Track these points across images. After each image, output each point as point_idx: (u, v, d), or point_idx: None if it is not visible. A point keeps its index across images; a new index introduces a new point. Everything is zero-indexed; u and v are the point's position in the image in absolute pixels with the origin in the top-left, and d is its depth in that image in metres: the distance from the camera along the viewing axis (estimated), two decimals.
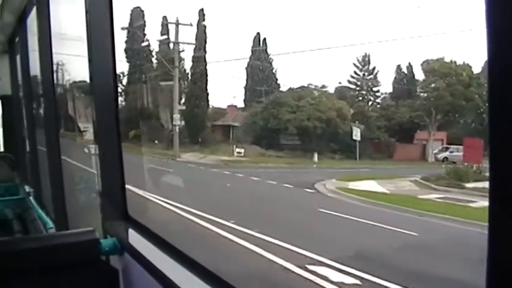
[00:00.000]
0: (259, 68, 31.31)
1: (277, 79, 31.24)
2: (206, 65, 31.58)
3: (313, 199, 13.74)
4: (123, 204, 2.31)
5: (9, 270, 1.95)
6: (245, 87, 31.95)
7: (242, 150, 24.93)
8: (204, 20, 31.17)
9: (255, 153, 24.71)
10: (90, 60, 2.35)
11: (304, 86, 26.63)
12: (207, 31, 30.87)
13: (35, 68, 5.19)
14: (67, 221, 3.56)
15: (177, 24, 29.23)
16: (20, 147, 6.30)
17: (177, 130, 26.96)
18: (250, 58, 31.61)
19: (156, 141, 28.99)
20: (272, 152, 24.62)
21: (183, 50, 29.30)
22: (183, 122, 27.24)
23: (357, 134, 22.00)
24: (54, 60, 3.79)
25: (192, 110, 29.21)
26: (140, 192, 12.21)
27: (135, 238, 2.13)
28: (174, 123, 26.85)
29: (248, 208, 12.57)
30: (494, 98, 0.69)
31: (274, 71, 31.68)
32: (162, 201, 12.65)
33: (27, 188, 5.43)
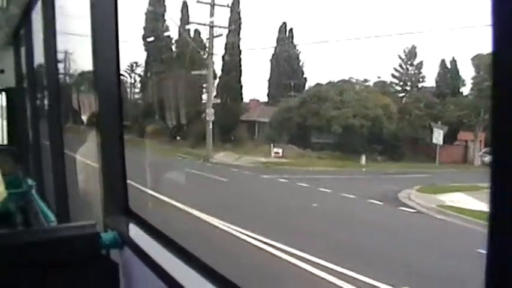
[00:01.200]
0: (286, 60, 28.86)
1: (303, 72, 28.93)
2: (240, 53, 28.12)
3: (429, 224, 11.23)
4: (124, 198, 2.31)
5: (10, 264, 1.95)
6: (269, 80, 29.37)
7: (280, 151, 23.03)
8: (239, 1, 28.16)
9: (294, 153, 22.71)
10: (94, 53, 2.35)
11: (345, 80, 24.38)
12: (241, 14, 28.01)
13: (39, 60, 5.20)
14: (69, 215, 3.56)
15: (213, 4, 25.84)
16: (24, 140, 6.31)
17: (211, 126, 24.05)
18: (275, 49, 28.89)
19: (177, 138, 26.34)
20: (310, 151, 22.71)
21: (220, 35, 26.32)
22: (212, 117, 24.35)
23: (438, 138, 19.38)
24: (59, 53, 3.80)
25: (225, 104, 26.38)
26: (204, 216, 10.38)
27: (135, 232, 2.13)
28: (207, 118, 24.05)
29: (380, 250, 8.82)
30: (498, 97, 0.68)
31: (301, 63, 29.26)
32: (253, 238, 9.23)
33: (30, 181, 5.43)
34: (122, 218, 2.26)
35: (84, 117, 4.76)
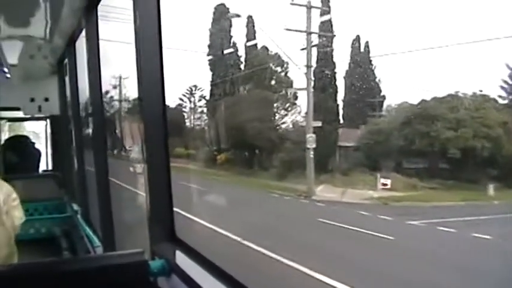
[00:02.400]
0: (360, 76, 25.57)
1: (380, 89, 25.59)
2: (335, 66, 24.24)
3: None
4: (171, 225, 2.33)
5: None
6: (344, 100, 25.61)
7: (388, 182, 19.47)
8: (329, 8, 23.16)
9: (401, 184, 19.19)
10: (139, 80, 2.39)
11: (451, 94, 20.84)
12: (332, 22, 23.12)
13: (83, 88, 5.35)
14: (114, 240, 3.61)
15: (309, 7, 22.46)
16: (68, 166, 6.46)
17: (311, 155, 20.06)
18: (349, 65, 25.83)
19: (254, 167, 22.13)
20: (417, 181, 19.02)
21: (316, 45, 22.32)
22: (314, 144, 20.22)
23: None
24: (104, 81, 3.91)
25: (322, 128, 21.76)
26: None
27: (182, 260, 2.15)
28: (308, 145, 20.19)
29: None
30: None
31: (377, 79, 26.03)
32: None
33: (74, 206, 5.55)
34: (168, 245, 2.28)
35: (128, 145, 4.85)
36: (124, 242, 3.76)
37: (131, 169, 4.80)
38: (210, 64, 26.86)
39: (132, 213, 4.30)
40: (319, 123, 21.75)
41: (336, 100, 24.56)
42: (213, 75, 26.87)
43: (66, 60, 5.70)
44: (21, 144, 7.22)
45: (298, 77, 23.98)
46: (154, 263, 2.11)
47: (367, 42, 26.21)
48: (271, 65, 24.84)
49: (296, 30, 22.86)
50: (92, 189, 4.82)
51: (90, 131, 4.63)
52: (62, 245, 4.78)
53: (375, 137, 21.54)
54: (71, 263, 2.37)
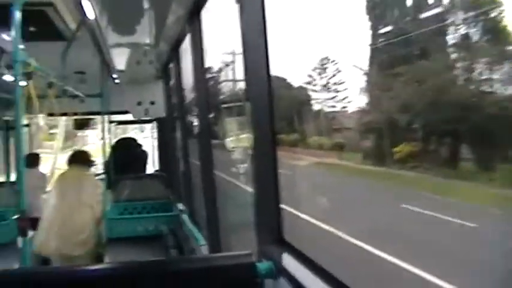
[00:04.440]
0: None
1: None
2: None
3: None
4: (278, 226, 2.32)
5: None
6: None
7: None
8: None
9: None
10: (245, 72, 2.39)
11: None
12: None
13: (188, 91, 5.52)
14: (219, 240, 3.68)
15: None
16: (173, 166, 6.71)
17: None
18: None
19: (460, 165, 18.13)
20: None
21: None
22: None
23: None
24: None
25: None
26: None
27: (290, 263, 2.13)
28: None
29: None
30: None
31: None
32: None
33: (180, 206, 5.74)
34: (275, 247, 2.27)
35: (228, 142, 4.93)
36: (228, 242, 3.81)
37: (234, 169, 4.86)
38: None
39: (236, 213, 4.35)
40: None
41: None
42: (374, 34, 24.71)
43: (170, 65, 5.91)
44: (129, 146, 7.59)
45: None
46: (261, 265, 2.11)
47: None
48: None
49: None
50: (197, 189, 4.96)
51: (195, 132, 4.76)
52: (169, 243, 4.94)
53: None
54: (180, 262, 2.43)
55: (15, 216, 5.34)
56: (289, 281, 2.01)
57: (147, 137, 9.06)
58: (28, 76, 3.18)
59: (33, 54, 3.05)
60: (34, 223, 5.52)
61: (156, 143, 8.73)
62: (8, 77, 6.02)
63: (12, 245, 5.18)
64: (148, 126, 9.26)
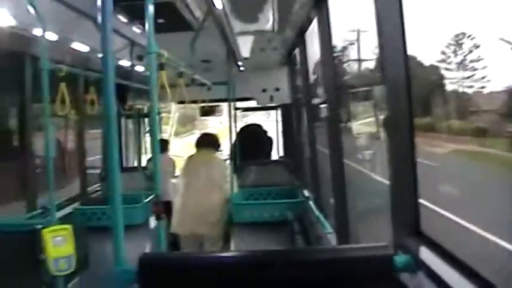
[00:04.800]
0: None
1: None
2: None
3: None
4: (415, 218, 2.20)
5: (302, 280, 2.01)
6: None
7: None
8: None
9: None
10: (380, 52, 2.28)
11: None
12: None
13: (314, 76, 5.45)
14: (348, 228, 3.59)
15: None
16: (298, 152, 6.70)
17: None
18: None
19: None
20: None
21: None
22: None
23: None
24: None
25: None
26: None
27: (429, 256, 2.00)
28: None
29: None
30: None
31: None
32: None
33: (305, 192, 5.72)
34: (412, 240, 2.15)
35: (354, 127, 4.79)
36: (356, 231, 3.71)
37: (359, 156, 4.73)
38: None
39: (363, 201, 4.23)
40: None
41: None
42: None
43: (295, 51, 5.88)
44: (255, 133, 7.71)
45: None
46: (399, 258, 2.00)
47: None
48: None
49: None
50: (323, 176, 4.90)
51: (322, 118, 4.69)
52: (295, 229, 4.93)
53: None
54: (311, 252, 2.39)
55: (148, 199, 5.69)
56: (428, 276, 1.89)
57: (268, 121, 9.12)
58: (161, 67, 3.30)
59: (163, 45, 3.15)
60: (167, 207, 5.82)
61: (280, 129, 8.79)
62: (139, 68, 6.37)
63: (144, 227, 5.55)
64: (272, 112, 9.32)
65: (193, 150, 6.05)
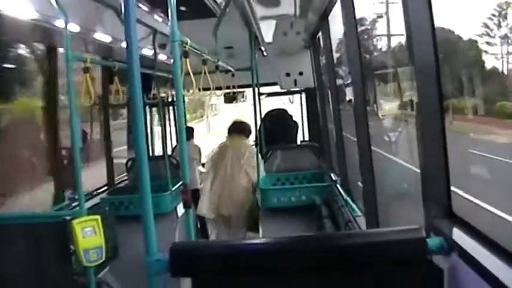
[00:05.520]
0: None
1: None
2: None
3: None
4: (447, 200, 2.16)
5: (333, 266, 2.01)
6: None
7: None
8: None
9: None
10: (406, 30, 2.23)
11: None
12: None
13: (339, 59, 5.40)
14: (377, 211, 3.56)
15: None
16: (324, 136, 6.66)
17: None
18: None
19: None
20: None
21: None
22: None
23: None
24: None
25: None
26: None
27: (460, 237, 1.97)
28: None
29: None
30: None
31: None
32: None
33: (333, 176, 5.68)
34: (445, 222, 2.12)
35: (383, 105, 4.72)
36: (387, 214, 3.68)
37: (386, 138, 4.67)
38: None
39: (391, 184, 4.19)
40: None
41: None
42: None
43: (319, 34, 5.82)
44: (280, 117, 7.68)
45: None
46: (431, 241, 1.98)
47: None
48: None
49: None
50: (350, 159, 4.86)
51: (347, 101, 4.64)
52: (323, 213, 4.92)
53: None
54: (342, 237, 2.37)
55: (175, 188, 5.74)
56: (463, 257, 1.87)
57: (294, 107, 9.08)
58: (185, 54, 3.30)
59: (185, 33, 3.15)
60: (195, 195, 5.89)
61: (305, 113, 8.74)
62: (162, 56, 6.38)
63: (171, 215, 5.59)
64: (296, 97, 9.26)
65: (203, 137, 6.29)
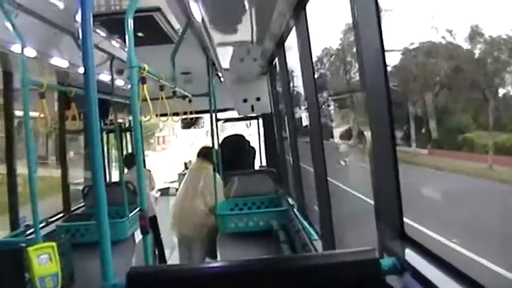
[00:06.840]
0: None
1: None
2: None
3: None
4: (399, 221, 2.23)
5: (291, 286, 2.03)
6: None
7: None
8: None
9: None
10: (359, 55, 2.31)
11: None
12: None
13: (294, 86, 5.50)
14: (333, 234, 3.62)
15: None
16: (281, 161, 6.73)
17: None
18: None
19: None
20: None
21: None
22: None
23: None
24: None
25: None
26: None
27: (414, 258, 2.04)
28: None
29: None
30: None
31: None
32: None
33: (290, 201, 5.73)
34: (397, 243, 2.18)
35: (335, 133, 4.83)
36: (342, 236, 3.74)
37: (342, 163, 4.77)
38: None
39: (345, 208, 4.26)
40: None
41: None
42: None
43: (275, 61, 5.92)
44: (237, 143, 7.71)
45: None
46: (385, 261, 2.03)
47: None
48: None
49: None
50: (306, 183, 4.92)
51: (303, 126, 4.73)
52: (280, 238, 4.94)
53: None
54: (298, 260, 2.41)
55: (132, 214, 5.67)
56: (415, 277, 1.93)
57: (252, 134, 9.15)
58: (143, 81, 3.30)
59: (143, 59, 3.16)
60: (152, 222, 5.83)
61: (262, 138, 8.81)
62: (119, 82, 6.35)
63: (128, 241, 5.51)
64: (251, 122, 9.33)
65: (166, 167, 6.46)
